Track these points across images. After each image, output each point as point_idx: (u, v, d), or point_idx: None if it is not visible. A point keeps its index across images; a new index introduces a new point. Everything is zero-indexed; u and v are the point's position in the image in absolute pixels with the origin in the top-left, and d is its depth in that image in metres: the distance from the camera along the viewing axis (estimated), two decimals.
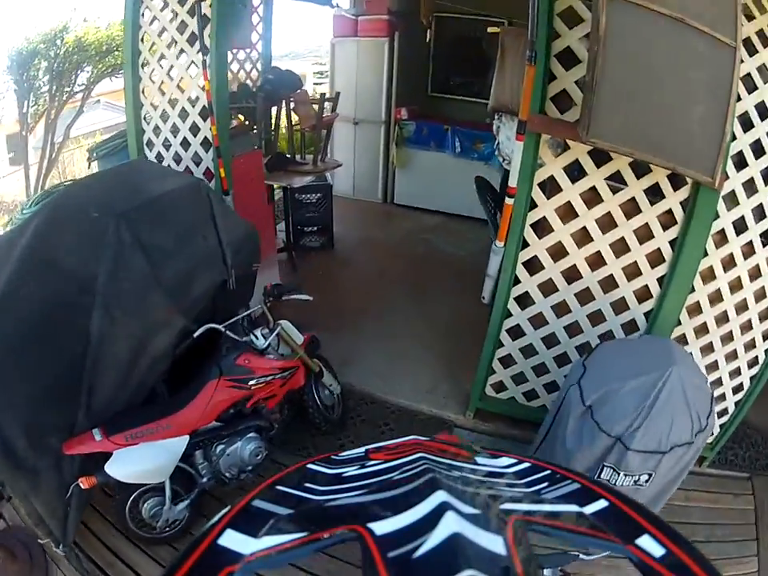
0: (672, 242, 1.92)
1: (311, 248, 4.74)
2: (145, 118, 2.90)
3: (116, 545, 2.13)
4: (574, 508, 0.53)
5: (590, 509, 0.52)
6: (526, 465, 0.69)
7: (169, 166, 2.93)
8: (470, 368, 2.67)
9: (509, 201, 1.92)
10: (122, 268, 1.84)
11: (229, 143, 2.82)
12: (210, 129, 2.64)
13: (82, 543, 2.13)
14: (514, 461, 0.71)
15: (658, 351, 1.74)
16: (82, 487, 1.73)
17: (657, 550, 0.44)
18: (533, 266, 2.11)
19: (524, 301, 2.19)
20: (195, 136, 2.80)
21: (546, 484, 0.61)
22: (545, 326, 2.22)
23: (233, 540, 0.47)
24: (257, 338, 2.08)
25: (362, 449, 0.84)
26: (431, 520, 0.45)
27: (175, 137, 2.87)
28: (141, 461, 1.78)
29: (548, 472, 0.64)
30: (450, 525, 0.43)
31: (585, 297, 2.11)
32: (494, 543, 0.42)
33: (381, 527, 0.46)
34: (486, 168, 4.70)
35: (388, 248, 4.80)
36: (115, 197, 2.03)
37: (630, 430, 1.59)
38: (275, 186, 4.25)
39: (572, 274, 2.08)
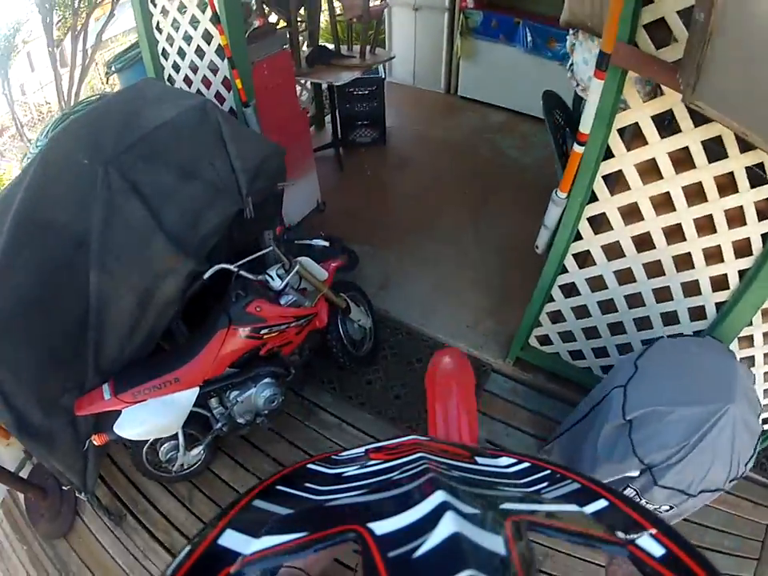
0: (765, 235, 1.57)
1: (361, 144, 4.36)
2: (158, 27, 2.64)
3: (139, 480, 2.24)
4: (573, 508, 0.51)
5: (590, 508, 0.50)
6: (525, 465, 0.67)
7: (186, 76, 2.70)
8: (518, 306, 2.47)
9: (578, 149, 1.58)
10: (116, 218, 1.72)
11: (246, 50, 2.53)
12: (221, 38, 2.32)
13: (108, 477, 2.27)
14: (513, 461, 0.69)
15: (719, 374, 1.49)
16: (95, 444, 1.74)
17: (657, 550, 0.43)
18: (598, 224, 1.82)
19: (583, 259, 1.94)
20: (209, 44, 2.51)
21: (545, 484, 0.59)
22: (603, 290, 1.97)
23: (233, 540, 0.46)
24: (272, 278, 1.88)
25: (362, 449, 0.82)
26: (431, 520, 0.43)
27: (189, 45, 2.58)
28: (149, 418, 1.74)
29: (548, 472, 0.62)
30: (449, 525, 0.41)
31: (654, 270, 1.83)
32: (493, 543, 0.41)
33: (381, 527, 0.45)
34: (560, 69, 3.92)
35: (447, 147, 4.35)
36: (107, 137, 1.85)
37: (664, 464, 1.42)
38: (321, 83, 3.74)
39: (643, 242, 1.78)
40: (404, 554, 0.40)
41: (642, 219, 1.70)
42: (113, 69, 3.03)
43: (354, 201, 3.72)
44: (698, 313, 1.84)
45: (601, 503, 0.50)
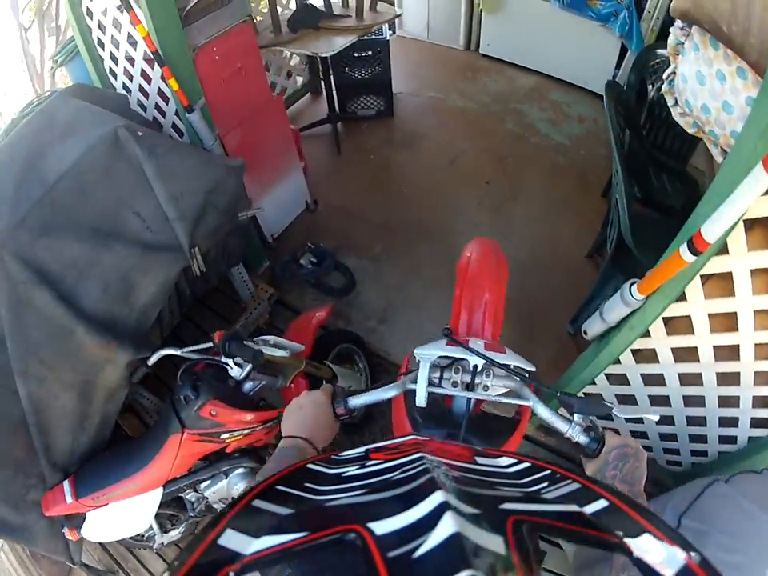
0: None
1: (363, 117, 3.77)
2: (89, 11, 2.12)
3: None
4: (573, 508, 0.48)
5: (590, 508, 0.47)
6: (526, 465, 0.65)
7: (125, 69, 2.23)
8: (550, 349, 2.25)
9: (687, 257, 1.09)
10: (26, 314, 1.51)
11: (182, 36, 1.97)
12: (137, 28, 1.80)
13: None
14: (513, 461, 0.67)
15: None
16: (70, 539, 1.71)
17: (657, 550, 0.41)
18: (676, 324, 1.45)
19: (643, 354, 1.59)
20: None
21: (546, 484, 0.57)
22: (660, 387, 1.65)
23: (233, 540, 0.44)
24: (230, 366, 1.52)
25: (362, 449, 0.77)
26: (431, 520, 0.42)
27: (120, 32, 2.09)
28: (114, 521, 1.70)
29: (548, 472, 0.60)
30: (449, 525, 0.40)
31: (728, 379, 1.52)
32: (494, 543, 0.40)
33: (381, 527, 0.43)
34: (602, 31, 3.65)
35: (467, 120, 3.77)
36: (1, 203, 1.55)
37: None
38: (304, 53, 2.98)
39: (725, 352, 1.44)
40: (404, 554, 0.39)
41: (736, 330, 1.34)
42: (57, 63, 2.61)
43: (353, 195, 3.25)
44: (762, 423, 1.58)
45: (601, 503, 0.49)
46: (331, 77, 3.43)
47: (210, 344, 1.49)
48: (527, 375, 1.06)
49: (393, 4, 4.51)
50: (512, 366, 1.05)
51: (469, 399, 1.05)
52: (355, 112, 3.63)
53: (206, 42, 2.08)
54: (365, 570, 0.39)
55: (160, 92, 2.16)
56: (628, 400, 1.75)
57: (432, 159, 3.40)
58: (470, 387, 1.04)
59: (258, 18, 3.17)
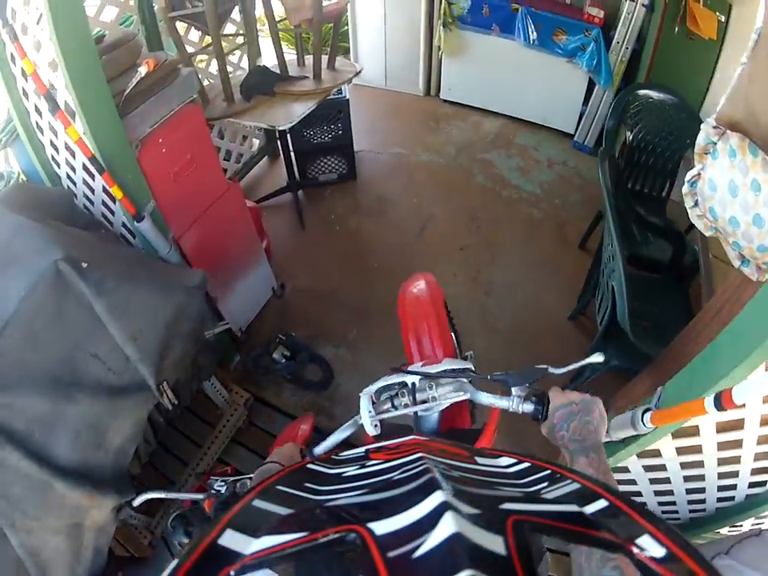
0: None
1: (325, 182, 3.62)
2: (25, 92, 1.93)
3: None
4: (573, 508, 0.48)
5: (589, 508, 0.47)
6: (526, 465, 0.65)
7: (66, 159, 1.98)
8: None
9: (713, 412, 1.02)
10: (1, 474, 1.44)
11: (121, 132, 1.75)
12: (67, 132, 1.62)
13: None
14: (513, 461, 0.67)
15: None
16: None
17: (657, 550, 0.41)
18: (682, 430, 1.39)
19: (645, 451, 1.56)
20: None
21: (546, 484, 0.57)
22: (660, 472, 1.62)
23: (233, 540, 0.44)
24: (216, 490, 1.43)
25: (362, 449, 0.81)
26: (431, 520, 0.42)
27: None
28: None
29: (548, 472, 0.60)
30: (449, 525, 0.40)
31: (729, 461, 1.51)
32: (494, 543, 0.39)
33: (381, 527, 0.43)
34: (570, 67, 3.63)
35: (433, 177, 3.69)
36: None
37: None
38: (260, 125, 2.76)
39: (729, 444, 1.41)
40: (404, 554, 0.39)
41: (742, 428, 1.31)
42: (3, 143, 2.38)
43: (322, 274, 3.12)
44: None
45: (601, 503, 0.48)
46: (289, 141, 3.27)
47: (199, 496, 1.40)
48: (461, 372, 1.13)
49: (348, 53, 4.35)
50: (447, 371, 1.12)
51: (439, 415, 1.19)
52: (317, 177, 3.50)
53: (150, 133, 1.88)
54: (365, 570, 0.39)
55: (105, 200, 1.98)
56: (629, 484, 1.75)
57: (401, 227, 3.31)
58: (420, 403, 1.10)
59: (207, 82, 3.03)
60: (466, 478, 0.59)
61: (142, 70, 1.76)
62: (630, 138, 2.58)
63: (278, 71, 2.89)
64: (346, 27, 4.26)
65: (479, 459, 0.71)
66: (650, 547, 0.41)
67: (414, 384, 1.10)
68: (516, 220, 3.26)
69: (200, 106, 2.16)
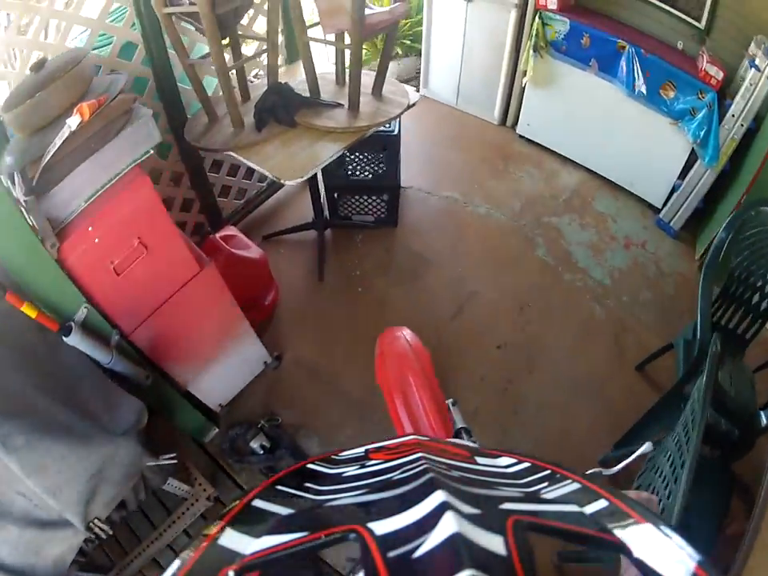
0: None
1: (358, 225, 3.13)
2: None
3: None
4: (573, 508, 0.49)
5: (590, 508, 0.48)
6: (526, 465, 0.65)
7: None
8: None
9: None
10: None
11: (29, 232, 1.31)
12: None
13: None
14: (513, 461, 0.67)
15: None
16: None
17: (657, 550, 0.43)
18: None
19: None
20: None
21: (546, 484, 0.57)
22: None
23: (233, 540, 0.45)
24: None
25: (362, 449, 0.78)
26: (431, 520, 0.42)
27: None
28: None
29: (548, 472, 0.60)
30: (450, 524, 0.40)
31: None
32: (494, 543, 0.40)
33: (381, 527, 0.44)
34: (672, 131, 3.01)
35: (487, 239, 3.17)
36: None
37: None
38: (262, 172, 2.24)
39: None
40: (404, 553, 0.39)
41: None
42: None
43: (328, 347, 2.66)
44: None
45: (601, 503, 0.49)
46: (318, 174, 2.71)
47: None
48: None
49: (419, 56, 3.73)
50: None
51: None
52: (349, 217, 2.96)
53: (79, 216, 1.43)
54: (365, 570, 0.38)
55: None
56: None
57: (435, 303, 2.85)
58: None
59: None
60: (466, 477, 0.59)
61: (72, 123, 1.31)
62: (734, 264, 2.09)
63: (307, 93, 2.33)
64: (419, 28, 3.72)
65: (479, 459, 0.71)
66: (651, 548, 0.40)
67: None
68: (572, 317, 2.78)
69: (148, 177, 1.53)
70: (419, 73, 4.16)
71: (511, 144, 3.69)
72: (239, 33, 2.35)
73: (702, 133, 2.78)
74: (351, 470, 0.67)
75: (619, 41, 2.97)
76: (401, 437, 0.84)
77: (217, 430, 2.37)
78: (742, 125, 2.70)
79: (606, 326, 2.74)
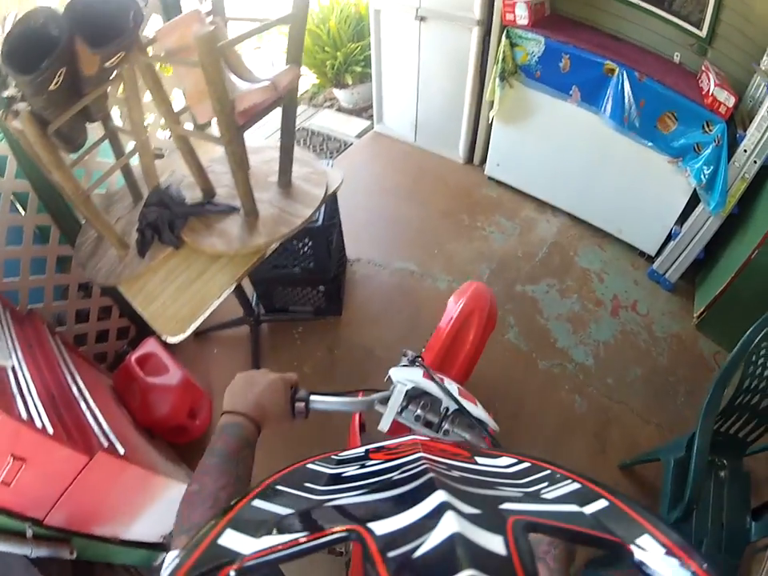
0: None
1: (296, 315, 2.71)
2: None
3: None
4: (573, 508, 0.48)
5: (589, 508, 0.47)
6: (526, 465, 0.63)
7: None
8: None
9: None
10: None
11: None
12: None
13: None
14: (514, 461, 0.66)
15: None
16: None
17: (657, 550, 0.40)
18: None
19: None
20: None
21: (546, 484, 0.55)
22: None
23: (233, 540, 0.44)
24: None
25: (362, 449, 0.77)
26: (431, 520, 0.41)
27: None
28: None
29: (548, 472, 0.58)
30: (450, 525, 0.39)
31: None
32: (493, 543, 0.39)
33: (381, 527, 0.43)
34: (671, 170, 2.55)
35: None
36: None
37: None
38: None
39: None
40: (404, 553, 0.38)
41: None
42: None
43: (270, 466, 2.15)
44: None
45: (601, 503, 0.48)
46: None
47: None
48: (490, 434, 1.02)
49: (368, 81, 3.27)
50: (481, 421, 1.03)
51: None
52: (285, 309, 2.53)
53: None
54: (365, 570, 0.38)
55: None
56: None
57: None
58: (431, 426, 1.02)
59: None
60: (466, 478, 0.58)
61: None
62: (748, 382, 1.75)
63: (190, 202, 1.82)
64: (367, 52, 3.39)
65: (479, 459, 0.69)
66: (650, 547, 0.40)
67: (446, 409, 1.01)
68: (548, 414, 2.41)
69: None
70: None
71: (479, 188, 3.37)
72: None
73: (708, 173, 2.42)
74: (351, 470, 0.66)
75: (607, 62, 2.56)
76: (401, 437, 0.84)
77: (165, 553, 2.09)
78: (755, 161, 2.31)
79: (587, 420, 2.42)
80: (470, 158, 3.44)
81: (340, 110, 4.49)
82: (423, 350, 1.63)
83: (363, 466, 0.67)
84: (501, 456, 0.67)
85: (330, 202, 2.41)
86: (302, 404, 0.97)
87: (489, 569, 0.33)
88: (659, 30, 2.73)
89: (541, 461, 0.61)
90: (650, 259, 3.00)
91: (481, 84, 3.07)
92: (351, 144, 3.83)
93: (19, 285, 2.09)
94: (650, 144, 2.59)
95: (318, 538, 0.41)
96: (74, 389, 1.93)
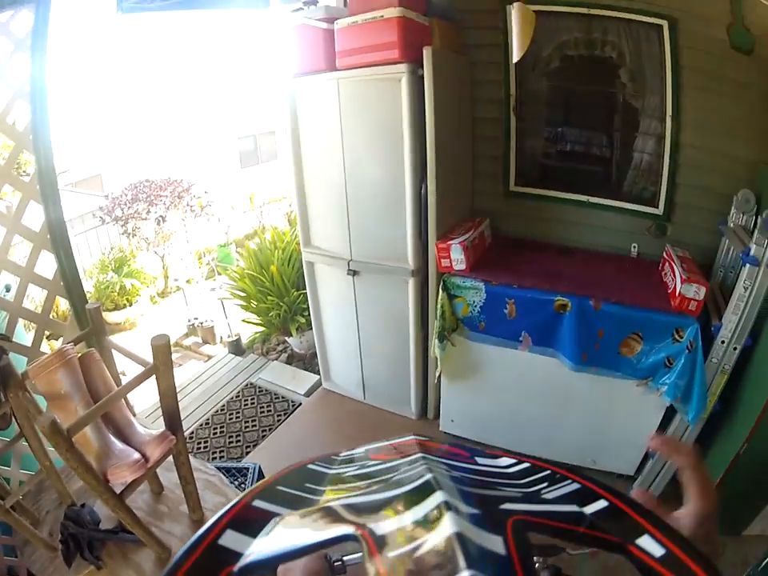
0: None
1: None
2: None
3: None
4: (573, 508, 0.50)
5: (589, 509, 0.49)
6: (525, 465, 0.65)
7: None
8: None
9: None
10: None
11: None
12: None
13: None
14: (513, 461, 0.67)
15: None
16: None
17: (657, 550, 0.43)
18: None
19: None
20: None
21: (546, 484, 0.57)
22: None
23: (233, 540, 0.46)
24: None
25: (362, 449, 0.79)
26: (431, 520, 0.42)
27: None
28: None
29: (548, 472, 0.60)
30: (450, 525, 0.40)
31: None
32: (493, 543, 0.39)
33: (381, 527, 0.44)
34: (640, 393, 2.32)
35: None
36: None
37: None
38: None
39: None
40: (404, 554, 0.39)
41: None
42: None
43: None
44: None
45: (601, 503, 0.50)
46: None
47: None
48: None
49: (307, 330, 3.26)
50: None
51: None
52: None
53: None
54: (365, 570, 0.39)
55: None
56: None
57: None
58: None
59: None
60: (466, 478, 0.58)
61: None
62: None
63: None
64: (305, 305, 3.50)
65: (479, 459, 0.69)
66: (650, 547, 0.42)
67: None
68: None
69: None
70: None
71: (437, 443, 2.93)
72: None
73: (682, 386, 2.17)
74: (351, 470, 0.66)
75: (557, 298, 2.37)
76: (401, 437, 0.80)
77: None
78: (735, 348, 2.09)
79: None
80: (423, 413, 3.18)
81: (293, 355, 4.39)
82: None
83: (363, 467, 0.67)
84: (501, 456, 0.67)
85: None
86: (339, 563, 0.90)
87: (489, 569, 0.34)
88: (613, 224, 2.69)
89: (541, 461, 0.62)
90: (630, 478, 2.64)
91: (425, 338, 2.91)
92: (300, 404, 3.57)
93: None
94: (613, 374, 2.36)
95: (318, 537, 0.42)
96: None
